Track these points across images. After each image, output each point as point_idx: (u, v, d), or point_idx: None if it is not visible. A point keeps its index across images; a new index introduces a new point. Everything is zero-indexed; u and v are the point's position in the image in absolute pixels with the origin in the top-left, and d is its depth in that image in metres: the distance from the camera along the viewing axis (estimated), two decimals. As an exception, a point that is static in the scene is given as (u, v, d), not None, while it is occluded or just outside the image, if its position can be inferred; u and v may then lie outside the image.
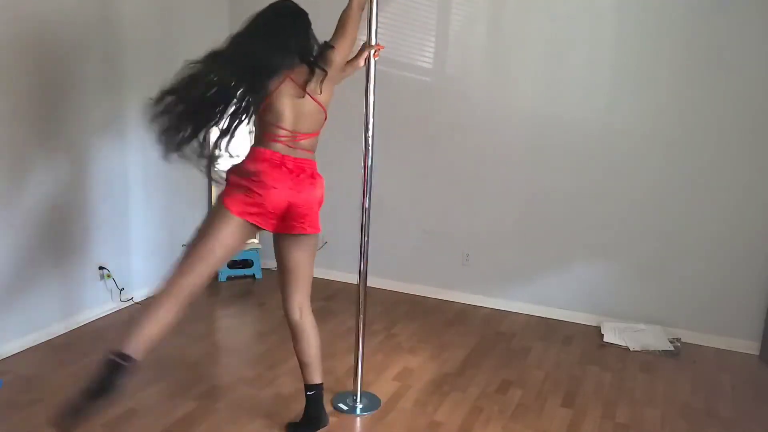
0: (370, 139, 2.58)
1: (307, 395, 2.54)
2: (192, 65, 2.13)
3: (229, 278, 4.41)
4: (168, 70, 3.98)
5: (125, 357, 2.10)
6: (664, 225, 3.60)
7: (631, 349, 3.48)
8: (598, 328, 3.74)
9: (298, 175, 2.28)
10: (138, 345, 2.14)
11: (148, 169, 3.89)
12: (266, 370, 3.08)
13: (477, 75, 3.89)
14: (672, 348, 3.49)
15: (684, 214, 3.55)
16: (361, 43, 2.56)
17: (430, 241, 4.16)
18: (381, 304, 3.98)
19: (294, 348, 2.53)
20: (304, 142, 2.32)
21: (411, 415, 2.72)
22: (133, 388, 2.84)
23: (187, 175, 4.23)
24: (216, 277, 4.42)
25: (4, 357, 3.09)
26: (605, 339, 3.58)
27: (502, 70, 3.83)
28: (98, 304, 3.64)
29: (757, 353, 3.47)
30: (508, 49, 3.79)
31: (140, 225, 3.88)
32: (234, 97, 2.16)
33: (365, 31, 2.55)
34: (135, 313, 2.21)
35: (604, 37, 3.57)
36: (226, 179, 2.29)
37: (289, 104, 2.27)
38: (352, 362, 2.83)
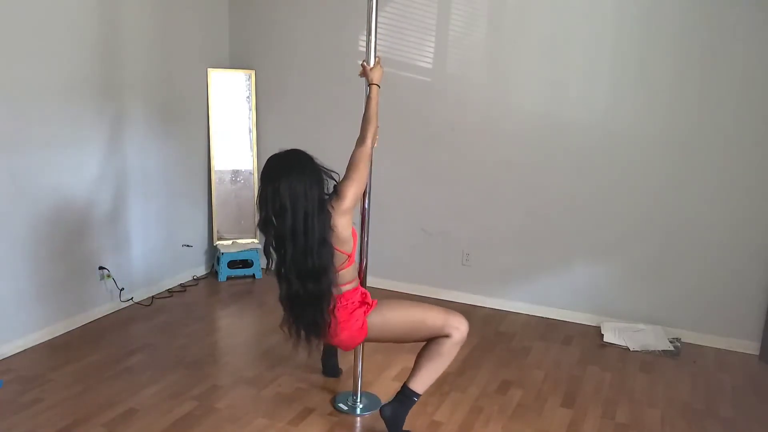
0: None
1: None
2: None
3: (229, 278, 4.41)
4: (167, 71, 4.02)
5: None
6: (664, 225, 3.60)
7: (631, 349, 3.48)
8: (598, 328, 3.74)
9: None
10: None
11: (148, 169, 3.89)
12: (266, 370, 3.08)
13: (477, 75, 3.89)
14: (672, 348, 3.49)
15: (684, 214, 3.55)
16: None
17: (430, 241, 4.16)
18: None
19: None
20: None
21: (411, 415, 2.70)
22: (133, 387, 2.86)
23: (186, 175, 4.25)
24: (216, 277, 4.42)
25: (4, 357, 3.09)
26: (605, 339, 3.58)
27: (502, 70, 3.83)
28: (98, 304, 3.64)
29: (757, 353, 3.47)
30: (508, 49, 3.79)
31: (140, 225, 3.88)
32: None
33: (365, 31, 2.55)
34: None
35: (604, 37, 3.56)
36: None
37: None
38: (352, 362, 2.83)
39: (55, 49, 3.19)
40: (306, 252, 2.22)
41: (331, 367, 3.05)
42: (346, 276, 2.39)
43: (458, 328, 2.41)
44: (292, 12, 4.28)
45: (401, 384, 2.99)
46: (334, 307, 2.35)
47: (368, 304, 2.43)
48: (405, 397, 2.48)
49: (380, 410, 2.51)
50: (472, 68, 3.90)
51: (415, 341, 2.48)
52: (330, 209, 2.28)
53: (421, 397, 2.49)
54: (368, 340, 2.48)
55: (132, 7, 3.63)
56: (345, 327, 2.38)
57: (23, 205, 3.13)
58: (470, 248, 4.07)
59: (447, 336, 2.40)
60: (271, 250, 2.30)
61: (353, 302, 2.40)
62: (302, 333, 2.38)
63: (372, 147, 2.48)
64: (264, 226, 2.26)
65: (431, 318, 2.42)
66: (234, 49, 4.49)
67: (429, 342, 2.46)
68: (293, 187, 2.19)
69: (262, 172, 2.28)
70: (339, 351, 3.06)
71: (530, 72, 3.75)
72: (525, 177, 3.86)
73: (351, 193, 2.33)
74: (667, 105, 3.49)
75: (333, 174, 2.34)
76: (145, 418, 2.61)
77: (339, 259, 2.33)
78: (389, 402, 2.51)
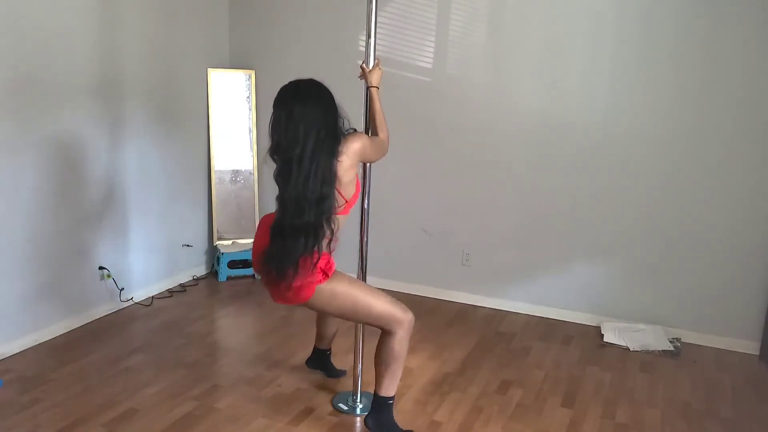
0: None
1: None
2: None
3: (229, 278, 4.41)
4: (167, 71, 4.02)
5: None
6: (664, 225, 3.60)
7: (631, 349, 3.48)
8: (598, 328, 3.74)
9: None
10: None
11: (148, 170, 3.89)
12: (266, 370, 3.09)
13: (477, 75, 3.89)
14: (672, 348, 3.49)
15: (684, 214, 3.55)
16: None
17: (430, 241, 4.16)
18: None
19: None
20: None
21: (411, 415, 2.72)
22: (133, 387, 2.86)
23: (186, 175, 4.25)
24: (216, 277, 4.42)
25: (4, 357, 3.09)
26: (605, 339, 3.58)
27: (502, 70, 3.83)
28: (98, 304, 3.64)
29: (757, 353, 3.47)
30: (508, 49, 3.79)
31: (140, 225, 3.88)
32: None
33: (364, 31, 2.55)
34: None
35: (604, 37, 3.56)
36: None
37: None
38: (352, 362, 2.83)
39: (54, 49, 3.19)
40: (309, 178, 2.14)
41: (327, 369, 3.06)
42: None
43: (401, 322, 2.37)
44: (292, 12, 4.28)
45: (401, 384, 3.01)
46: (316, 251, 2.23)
47: (326, 275, 2.31)
48: (380, 405, 2.49)
49: (365, 422, 2.52)
50: (472, 68, 3.90)
51: (357, 322, 2.48)
52: (341, 138, 2.24)
53: (394, 398, 2.51)
54: (308, 306, 2.40)
55: (132, 7, 3.63)
56: (298, 279, 2.24)
57: (23, 204, 3.13)
58: (470, 248, 4.07)
59: (388, 333, 2.39)
60: (278, 178, 2.23)
61: (317, 265, 2.26)
62: (275, 267, 2.23)
63: (386, 144, 2.47)
64: (274, 152, 2.22)
65: (378, 307, 2.36)
66: (234, 49, 4.49)
67: (379, 345, 2.45)
68: (307, 112, 2.15)
69: (277, 95, 2.22)
70: (331, 352, 3.08)
71: (530, 72, 3.75)
72: (525, 177, 3.86)
73: (362, 142, 2.28)
74: (667, 105, 3.49)
75: (347, 121, 2.30)
76: (145, 418, 2.61)
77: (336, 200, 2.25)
78: (369, 413, 2.52)
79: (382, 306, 2.36)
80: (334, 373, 3.04)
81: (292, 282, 2.23)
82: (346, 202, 2.31)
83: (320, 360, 3.05)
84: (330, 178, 2.19)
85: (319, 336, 2.99)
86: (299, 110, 2.15)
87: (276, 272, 2.24)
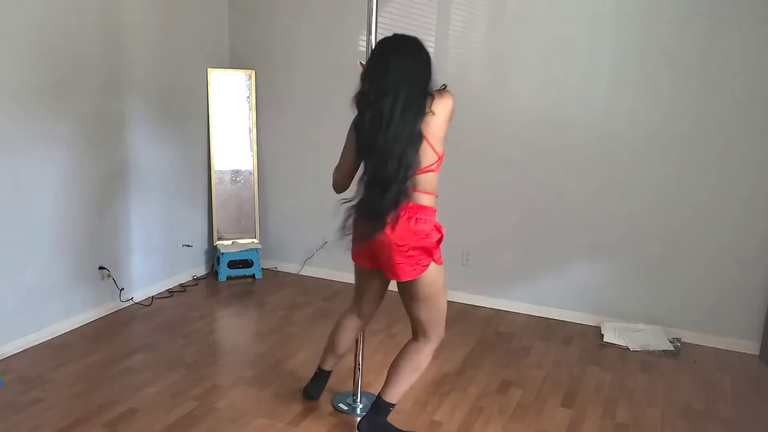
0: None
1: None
2: None
3: (229, 278, 4.41)
4: (167, 70, 4.02)
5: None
6: (664, 225, 3.60)
7: (631, 349, 3.48)
8: (598, 328, 3.75)
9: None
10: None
11: (148, 169, 3.89)
12: (266, 370, 3.09)
13: (477, 75, 3.89)
14: (672, 348, 3.49)
15: (684, 214, 3.55)
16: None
17: (430, 241, 4.16)
18: (381, 303, 3.96)
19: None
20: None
21: (411, 415, 2.72)
22: (133, 387, 2.86)
23: (186, 175, 4.25)
24: (216, 277, 4.42)
25: (4, 357, 3.09)
26: (605, 339, 3.58)
27: (502, 70, 3.83)
28: (98, 304, 3.64)
29: (757, 353, 3.47)
30: (508, 49, 3.79)
31: (140, 225, 3.88)
32: None
33: (365, 32, 2.55)
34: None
35: (604, 37, 3.56)
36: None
37: None
38: (352, 362, 2.83)
39: (55, 48, 3.19)
40: (398, 131, 2.11)
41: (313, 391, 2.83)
42: (428, 184, 2.31)
43: (440, 336, 2.44)
44: (292, 12, 4.28)
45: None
46: (404, 210, 2.24)
47: (441, 232, 2.34)
48: (381, 408, 2.46)
49: (358, 427, 2.46)
50: (472, 68, 3.90)
51: (412, 315, 2.38)
52: (435, 95, 2.19)
53: (395, 406, 2.47)
54: (414, 284, 2.29)
55: (132, 7, 3.63)
56: (415, 238, 2.26)
57: (23, 204, 3.13)
58: (470, 248, 4.07)
59: (425, 341, 2.40)
60: (361, 126, 2.18)
61: (433, 224, 2.32)
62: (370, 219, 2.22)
63: None
64: (360, 99, 2.19)
65: (443, 310, 2.39)
66: (234, 49, 4.49)
67: (405, 353, 2.43)
68: (404, 65, 2.13)
69: (377, 45, 2.22)
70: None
71: (530, 72, 3.75)
72: (525, 177, 3.86)
73: (453, 100, 2.22)
74: (667, 104, 3.49)
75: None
76: (145, 418, 2.61)
77: (428, 157, 2.22)
78: (364, 417, 2.48)
79: (443, 312, 2.41)
80: (316, 393, 2.80)
81: (388, 229, 2.23)
82: (439, 158, 2.28)
83: (322, 384, 2.81)
84: (415, 135, 2.14)
85: (332, 348, 2.71)
86: (395, 61, 2.13)
87: (371, 223, 2.21)
